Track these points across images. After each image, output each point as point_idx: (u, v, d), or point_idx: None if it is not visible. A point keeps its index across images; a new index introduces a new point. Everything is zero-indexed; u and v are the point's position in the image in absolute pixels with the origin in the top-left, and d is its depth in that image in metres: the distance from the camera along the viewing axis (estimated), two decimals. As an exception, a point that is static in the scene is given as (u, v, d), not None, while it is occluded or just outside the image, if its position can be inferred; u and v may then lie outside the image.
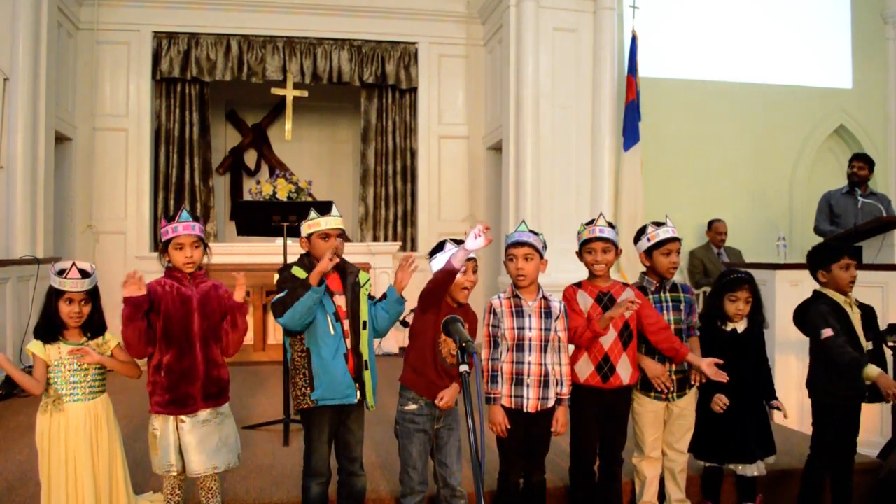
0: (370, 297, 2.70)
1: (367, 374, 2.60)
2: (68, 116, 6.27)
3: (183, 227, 2.50)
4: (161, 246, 2.58)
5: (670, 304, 2.93)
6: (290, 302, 2.44)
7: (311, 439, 2.59)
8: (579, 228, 2.87)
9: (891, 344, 3.41)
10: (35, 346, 2.45)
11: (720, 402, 2.91)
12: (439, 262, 2.50)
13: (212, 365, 2.55)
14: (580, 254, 2.88)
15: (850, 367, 2.91)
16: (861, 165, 5.38)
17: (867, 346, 3.07)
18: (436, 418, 2.55)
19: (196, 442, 2.50)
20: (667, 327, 2.83)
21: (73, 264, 2.44)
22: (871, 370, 2.86)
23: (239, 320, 2.58)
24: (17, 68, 5.27)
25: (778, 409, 3.01)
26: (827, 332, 2.94)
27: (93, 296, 2.50)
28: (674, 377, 2.91)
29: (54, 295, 2.45)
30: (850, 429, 3.09)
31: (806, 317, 3.10)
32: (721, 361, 2.78)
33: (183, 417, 2.49)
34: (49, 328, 2.46)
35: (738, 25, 7.53)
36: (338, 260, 2.52)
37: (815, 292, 3.17)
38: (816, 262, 3.16)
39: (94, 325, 2.52)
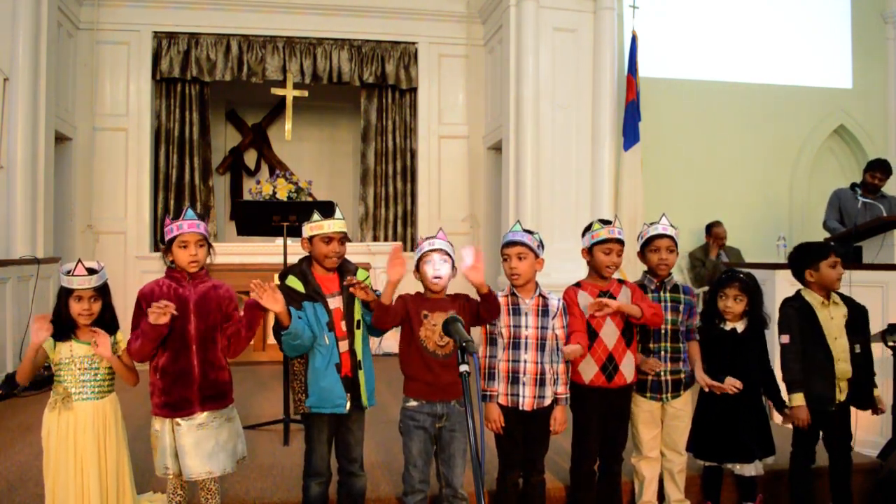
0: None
1: (360, 374, 2.60)
2: (68, 116, 6.27)
3: (188, 224, 2.49)
4: (164, 244, 2.57)
5: (669, 304, 2.93)
6: (278, 342, 2.55)
7: (310, 439, 2.62)
8: (595, 226, 2.82)
9: (891, 344, 3.41)
10: (46, 343, 2.45)
11: (733, 385, 2.90)
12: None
13: (209, 367, 2.52)
14: (590, 251, 2.83)
15: (787, 384, 3.04)
16: (881, 177, 5.35)
17: (845, 348, 3.05)
18: (438, 417, 2.55)
19: (191, 445, 2.48)
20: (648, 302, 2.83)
21: (79, 261, 2.46)
22: (795, 399, 2.98)
23: (255, 323, 2.56)
24: (17, 68, 5.28)
25: (785, 414, 3.02)
26: (784, 339, 3.06)
27: (102, 293, 2.51)
28: (668, 378, 2.92)
29: (64, 294, 2.46)
30: (839, 429, 3.09)
31: (780, 316, 3.15)
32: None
33: (179, 420, 2.48)
34: (61, 327, 2.47)
35: (738, 25, 7.53)
36: (269, 298, 2.41)
37: (797, 292, 3.19)
38: (804, 260, 3.14)
39: (106, 323, 2.51)
